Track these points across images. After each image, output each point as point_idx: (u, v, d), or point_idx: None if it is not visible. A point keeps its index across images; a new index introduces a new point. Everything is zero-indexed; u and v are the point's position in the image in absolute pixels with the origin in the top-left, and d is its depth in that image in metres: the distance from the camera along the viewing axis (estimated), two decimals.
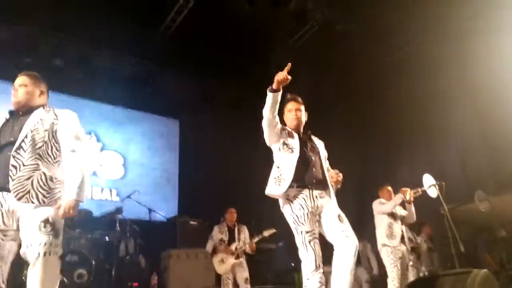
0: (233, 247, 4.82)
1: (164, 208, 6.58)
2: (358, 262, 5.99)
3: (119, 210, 5.44)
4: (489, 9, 4.98)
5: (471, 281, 2.71)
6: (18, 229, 2.19)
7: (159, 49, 6.94)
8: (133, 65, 7.29)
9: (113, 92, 7.05)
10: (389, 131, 6.43)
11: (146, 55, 7.12)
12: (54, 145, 2.34)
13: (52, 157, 2.31)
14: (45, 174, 2.23)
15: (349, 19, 6.40)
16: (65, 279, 4.57)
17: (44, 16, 6.05)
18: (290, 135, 2.76)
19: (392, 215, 4.52)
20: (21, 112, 2.40)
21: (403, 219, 4.60)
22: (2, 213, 2.17)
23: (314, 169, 2.68)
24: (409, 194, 4.38)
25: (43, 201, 2.19)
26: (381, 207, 4.57)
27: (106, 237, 5.34)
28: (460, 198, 4.70)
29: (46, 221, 2.14)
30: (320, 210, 2.61)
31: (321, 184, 2.68)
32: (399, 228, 4.50)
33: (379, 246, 4.48)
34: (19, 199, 2.14)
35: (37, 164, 2.23)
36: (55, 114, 2.41)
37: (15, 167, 2.19)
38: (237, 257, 4.78)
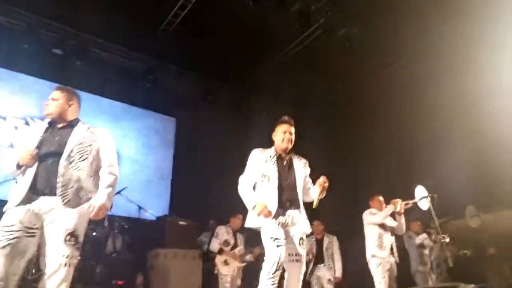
0: (236, 251, 4.81)
1: (155, 206, 6.52)
2: (321, 260, 5.40)
3: None
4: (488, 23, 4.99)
5: None
6: (41, 229, 2.37)
7: (160, 45, 6.91)
8: (134, 60, 7.27)
9: (111, 86, 7.01)
10: (382, 140, 6.40)
11: (147, 50, 7.09)
12: (95, 161, 2.61)
13: (91, 171, 2.59)
14: (83, 186, 2.51)
15: (352, 23, 6.37)
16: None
17: (45, 5, 6.04)
18: (266, 161, 2.96)
19: (383, 226, 4.51)
20: (60, 124, 2.63)
21: (392, 230, 4.56)
22: (31, 213, 2.36)
23: (288, 192, 2.91)
24: (400, 205, 4.35)
25: (77, 207, 2.46)
26: (371, 218, 4.54)
27: (94, 233, 5.28)
28: (452, 213, 4.66)
29: (71, 234, 2.37)
30: (288, 226, 2.86)
31: (294, 204, 2.92)
32: (388, 239, 4.47)
33: (368, 257, 4.44)
34: (64, 204, 2.40)
35: (79, 175, 2.50)
36: (95, 133, 2.67)
37: (62, 175, 2.44)
38: (242, 262, 4.80)
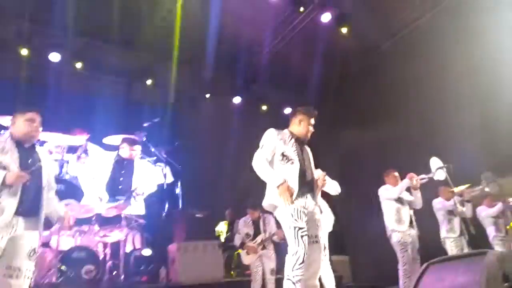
0: (259, 238, 4.84)
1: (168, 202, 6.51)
2: None
3: None
4: None
5: (489, 260, 2.68)
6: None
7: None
8: None
9: None
10: (392, 115, 6.41)
11: None
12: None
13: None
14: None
15: None
16: (69, 273, 4.56)
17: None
18: (285, 142, 2.93)
19: (400, 200, 4.52)
20: (26, 145, 2.64)
21: (410, 204, 4.60)
22: (11, 237, 2.44)
23: (307, 175, 2.93)
24: (415, 180, 4.38)
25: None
26: (387, 193, 4.57)
27: (113, 233, 5.29)
28: (469, 181, 4.71)
29: (33, 250, 2.54)
30: (307, 210, 2.81)
31: (311, 188, 2.93)
32: (407, 213, 4.51)
33: (388, 232, 4.48)
34: (40, 224, 2.56)
35: (47, 194, 2.67)
36: (40, 151, 2.74)
37: (44, 198, 2.60)
38: (263, 247, 4.80)
